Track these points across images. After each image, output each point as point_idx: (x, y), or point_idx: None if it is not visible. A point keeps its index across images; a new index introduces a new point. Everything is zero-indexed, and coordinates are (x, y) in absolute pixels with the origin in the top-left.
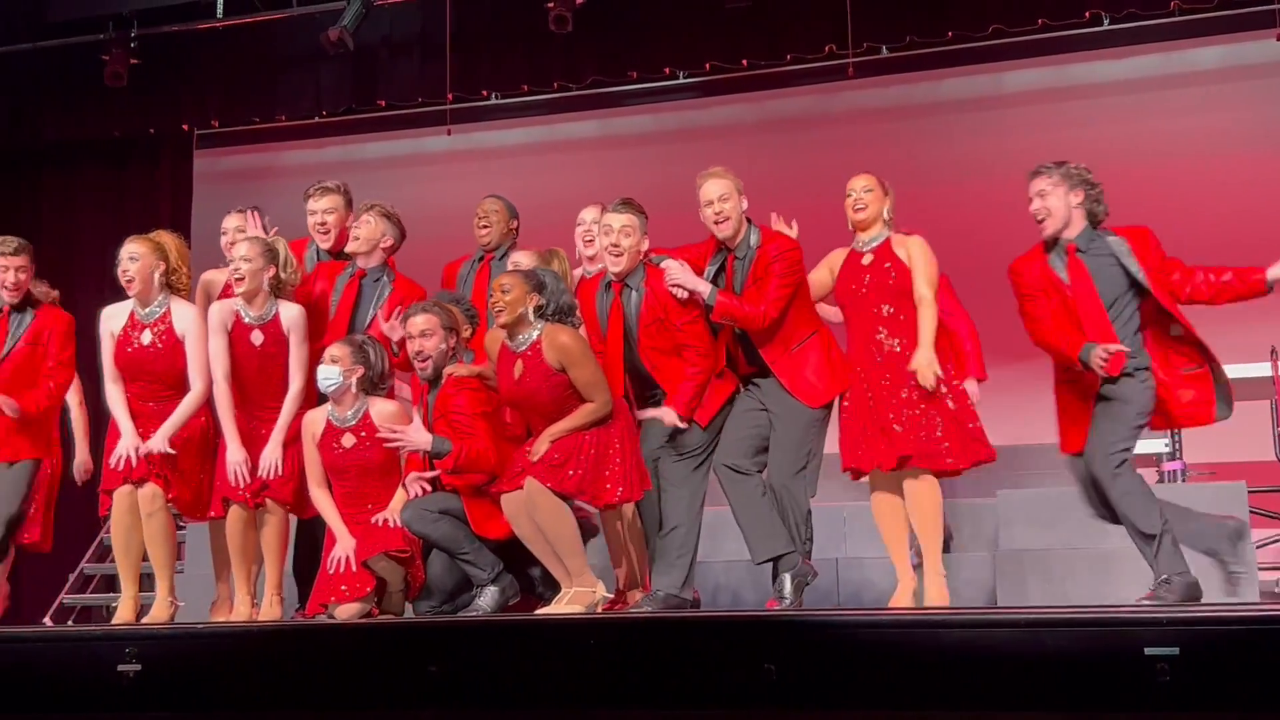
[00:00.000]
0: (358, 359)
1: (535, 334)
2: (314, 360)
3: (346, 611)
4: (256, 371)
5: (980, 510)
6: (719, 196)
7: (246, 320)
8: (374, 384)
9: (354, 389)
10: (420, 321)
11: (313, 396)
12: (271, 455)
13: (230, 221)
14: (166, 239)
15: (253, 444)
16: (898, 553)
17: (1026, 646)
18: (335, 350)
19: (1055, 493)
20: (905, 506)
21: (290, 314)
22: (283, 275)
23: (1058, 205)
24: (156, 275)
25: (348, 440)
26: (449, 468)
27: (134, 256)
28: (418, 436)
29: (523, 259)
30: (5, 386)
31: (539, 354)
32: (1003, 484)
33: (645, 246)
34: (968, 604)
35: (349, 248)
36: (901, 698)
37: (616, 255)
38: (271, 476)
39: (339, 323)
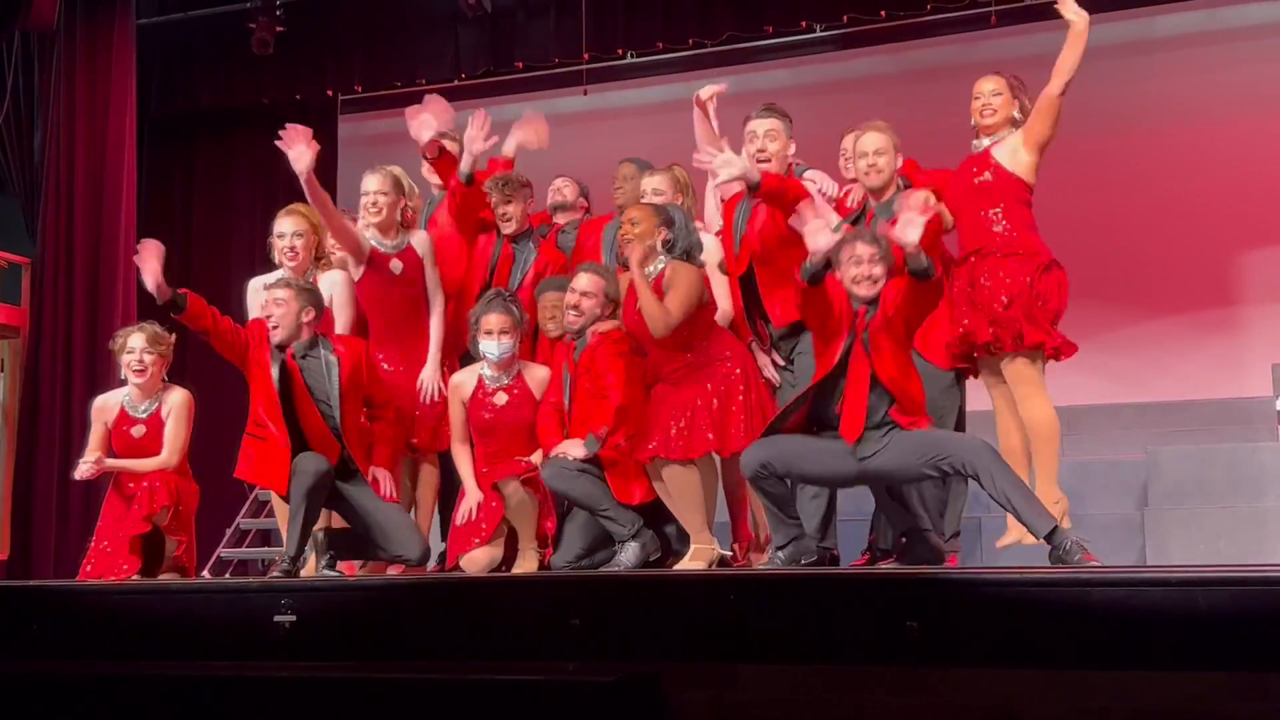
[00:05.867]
0: (517, 324)
1: (660, 267)
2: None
3: (473, 563)
4: (400, 300)
5: (1128, 467)
6: (875, 150)
7: (384, 250)
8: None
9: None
10: (586, 281)
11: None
12: (430, 376)
13: (370, 183)
14: (309, 210)
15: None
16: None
17: (1179, 606)
18: (496, 322)
19: (1205, 449)
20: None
21: (422, 240)
22: (409, 204)
23: None
24: (312, 249)
25: (500, 398)
26: (611, 453)
27: (299, 233)
28: (572, 449)
29: (658, 181)
30: None
31: (660, 289)
32: (1151, 441)
33: (792, 150)
34: (1116, 563)
35: (504, 230)
36: (1048, 657)
37: (765, 161)
38: (435, 396)
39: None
